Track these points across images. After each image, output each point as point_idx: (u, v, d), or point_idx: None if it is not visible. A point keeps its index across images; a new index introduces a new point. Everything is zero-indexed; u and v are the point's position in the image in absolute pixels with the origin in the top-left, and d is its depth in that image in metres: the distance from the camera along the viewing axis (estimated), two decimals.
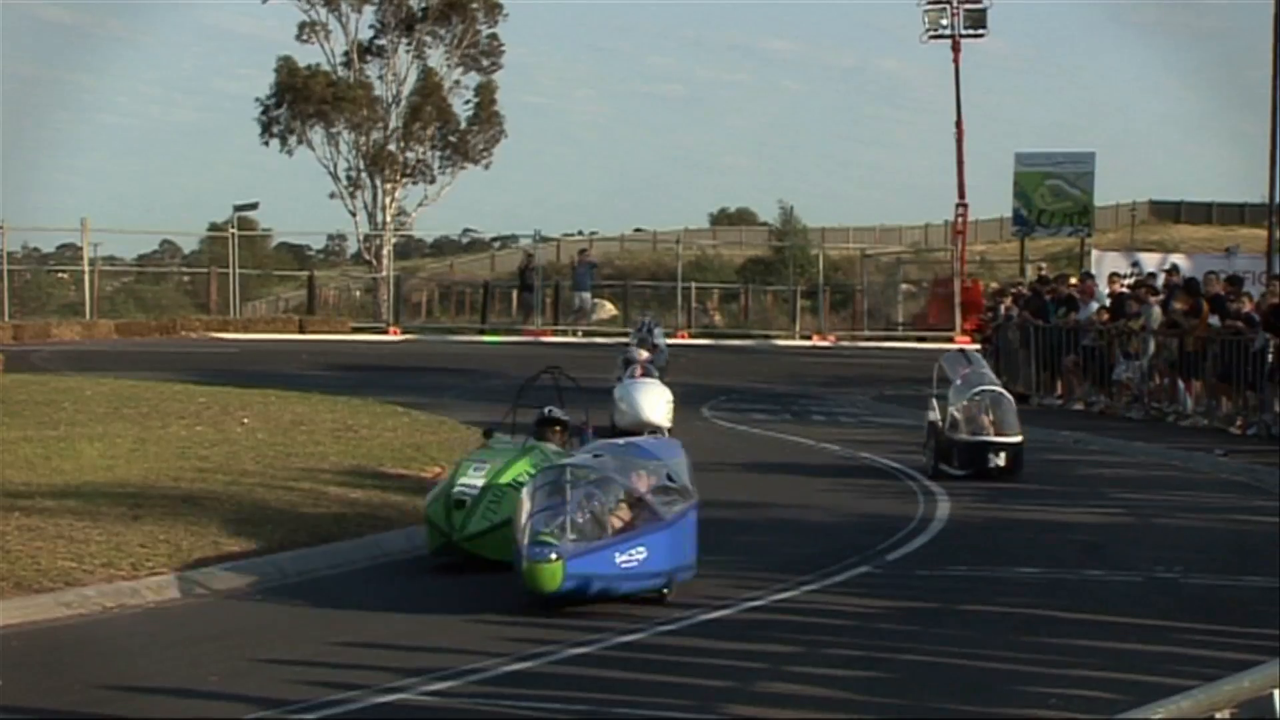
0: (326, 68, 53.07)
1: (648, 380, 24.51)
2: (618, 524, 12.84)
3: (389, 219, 53.62)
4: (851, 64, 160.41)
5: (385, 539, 15.64)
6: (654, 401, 23.79)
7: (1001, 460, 20.43)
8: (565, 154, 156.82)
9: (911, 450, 23.27)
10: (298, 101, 52.72)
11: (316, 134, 53.17)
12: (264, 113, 53.27)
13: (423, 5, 52.87)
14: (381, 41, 53.46)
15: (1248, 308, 25.11)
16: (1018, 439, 20.62)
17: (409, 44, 53.35)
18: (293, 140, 53.24)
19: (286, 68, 53.02)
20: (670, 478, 13.66)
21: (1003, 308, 31.30)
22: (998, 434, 20.59)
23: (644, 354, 26.27)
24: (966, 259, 51.22)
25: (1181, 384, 26.33)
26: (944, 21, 49.48)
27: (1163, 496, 19.28)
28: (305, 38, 53.13)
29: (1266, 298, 25.35)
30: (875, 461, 22.21)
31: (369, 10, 53.20)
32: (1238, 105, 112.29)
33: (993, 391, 21.07)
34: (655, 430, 22.84)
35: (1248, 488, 19.90)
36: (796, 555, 15.15)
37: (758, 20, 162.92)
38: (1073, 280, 31.27)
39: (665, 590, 12.89)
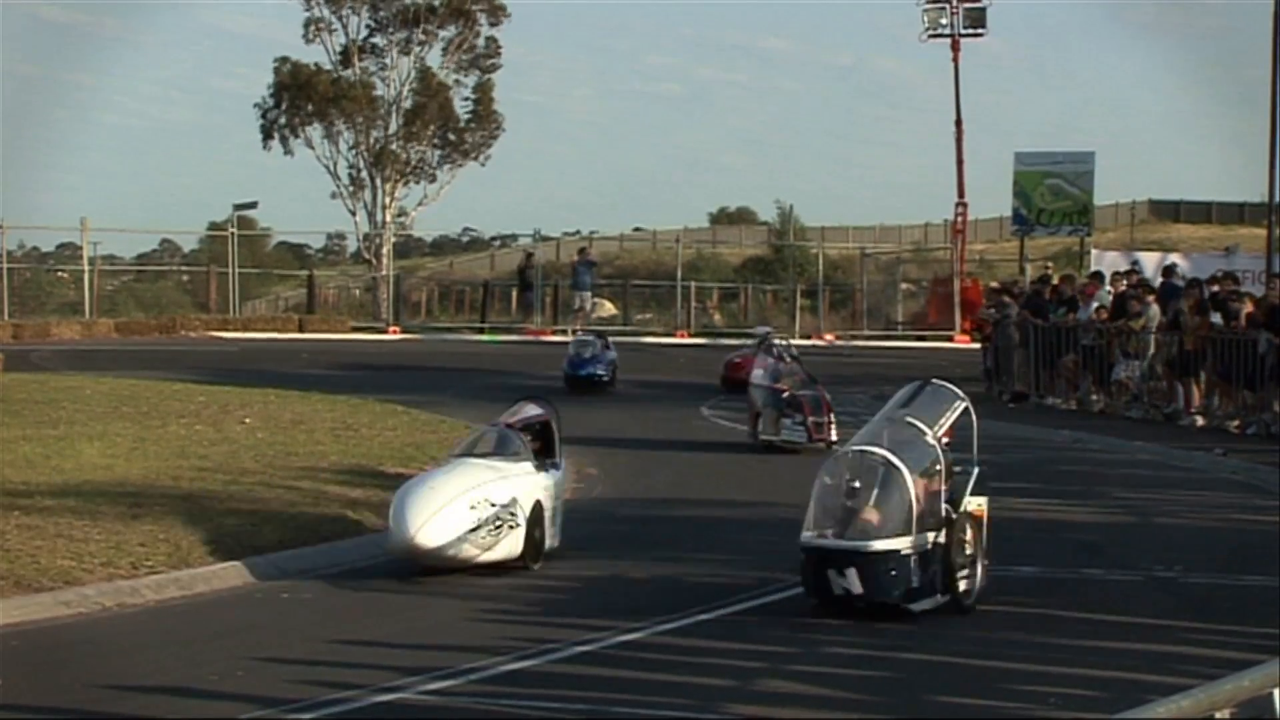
0: (327, 67, 53.08)
1: (462, 465, 14.55)
2: None
3: (389, 218, 53.60)
4: (849, 63, 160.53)
5: (384, 538, 15.64)
6: (435, 513, 13.78)
7: (851, 583, 12.19)
8: (564, 153, 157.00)
9: None
10: (297, 101, 52.70)
11: (316, 133, 53.18)
12: (263, 114, 53.27)
13: (425, 4, 52.85)
14: (377, 40, 53.46)
15: (1249, 308, 25.07)
16: (883, 547, 12.16)
17: (406, 43, 53.32)
18: (293, 139, 53.23)
19: (286, 67, 52.99)
20: None
21: (1007, 298, 31.15)
22: (845, 535, 12.35)
23: (529, 410, 15.67)
24: (966, 258, 51.18)
25: (1180, 384, 26.29)
26: (943, 21, 49.41)
27: (1163, 496, 19.27)
28: (311, 37, 53.06)
29: (1267, 298, 25.33)
30: None
31: (366, 10, 53.14)
32: (1236, 104, 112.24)
33: (868, 456, 12.69)
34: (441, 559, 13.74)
35: (1248, 487, 19.89)
36: (796, 555, 15.13)
37: (755, 20, 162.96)
38: (1080, 281, 31.14)
39: None
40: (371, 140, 53.13)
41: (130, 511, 15.42)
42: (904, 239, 79.65)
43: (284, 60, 53.24)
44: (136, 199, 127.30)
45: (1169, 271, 30.83)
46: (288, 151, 53.27)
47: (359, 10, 52.99)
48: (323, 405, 25.46)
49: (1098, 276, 30.79)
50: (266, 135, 53.27)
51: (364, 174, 53.36)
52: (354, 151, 53.21)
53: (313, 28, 52.85)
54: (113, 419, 22.79)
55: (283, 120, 52.96)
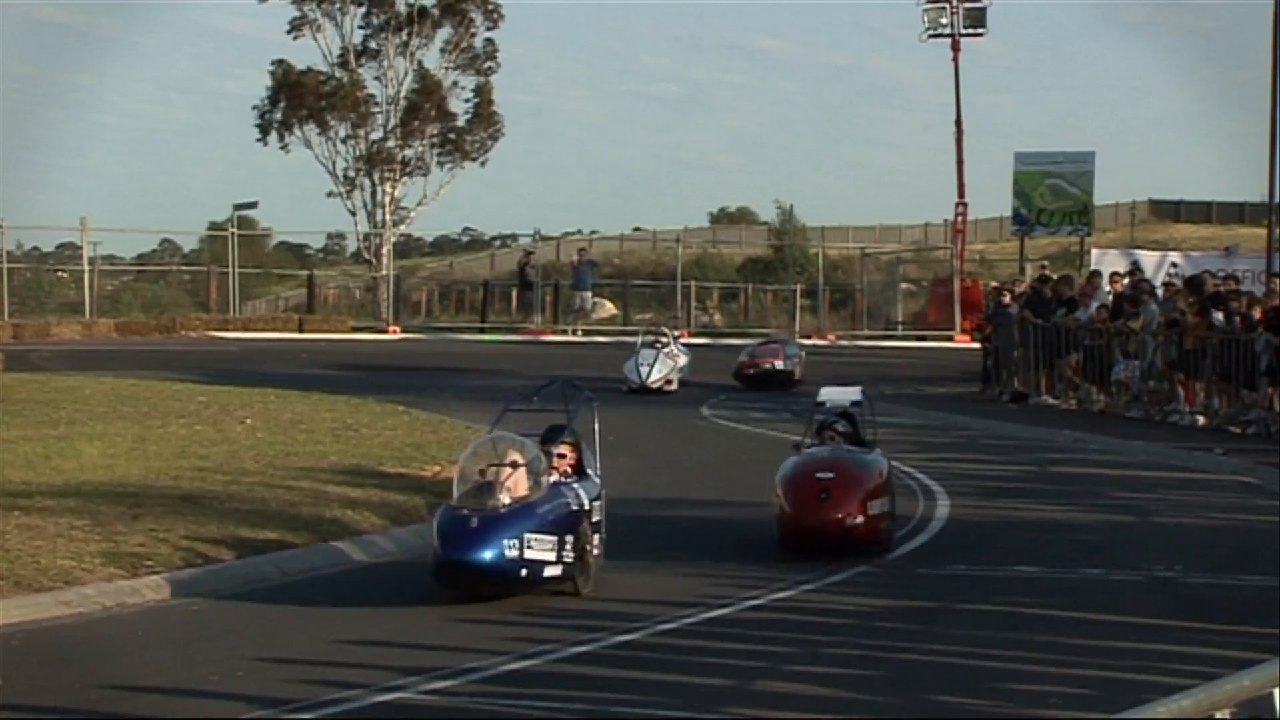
0: (322, 67, 53.15)
1: None
2: None
3: (388, 218, 53.63)
4: (846, 63, 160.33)
5: (384, 538, 15.65)
6: None
7: None
8: (562, 153, 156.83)
9: (910, 450, 23.26)
10: (293, 101, 52.79)
11: (313, 133, 53.22)
12: (262, 115, 53.35)
13: (416, 5, 52.89)
14: (374, 44, 53.50)
15: (1257, 313, 24.94)
16: None
17: (401, 45, 53.35)
18: (289, 137, 53.29)
19: (281, 69, 53.14)
20: None
21: (1007, 297, 31.14)
22: None
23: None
24: (966, 258, 51.21)
25: (1180, 384, 26.29)
26: (944, 21, 49.45)
27: (1163, 496, 19.27)
28: (297, 35, 53.15)
29: (1268, 299, 25.33)
30: None
31: (360, 12, 53.20)
32: (1234, 105, 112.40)
33: None
34: None
35: (1248, 488, 19.90)
36: (796, 555, 15.14)
37: (750, 20, 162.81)
38: (1078, 282, 31.13)
39: None
40: (368, 139, 53.17)
41: (130, 511, 15.41)
42: (904, 239, 79.64)
43: (279, 62, 53.45)
44: (136, 199, 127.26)
45: (1136, 269, 30.80)
46: (283, 147, 53.39)
47: (347, 9, 53.02)
48: (323, 405, 25.46)
49: (1095, 275, 30.81)
50: (264, 132, 53.41)
51: (361, 174, 53.41)
52: (348, 149, 53.28)
53: (300, 28, 52.94)
54: (113, 419, 22.79)
55: (279, 119, 53.05)
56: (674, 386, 31.01)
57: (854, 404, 16.82)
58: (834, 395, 17.17)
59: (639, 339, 33.13)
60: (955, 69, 49.78)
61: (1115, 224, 76.58)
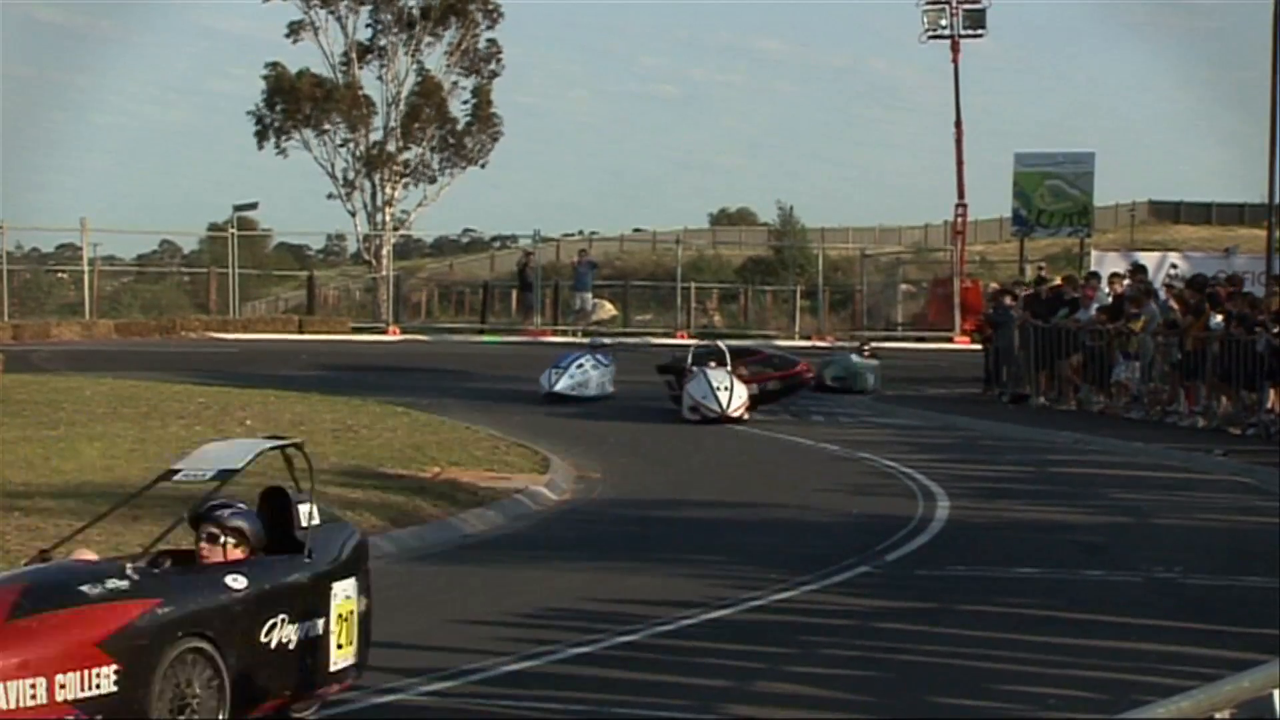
0: (319, 69, 53.19)
1: None
2: None
3: (388, 219, 53.65)
4: (845, 64, 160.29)
5: (384, 539, 15.64)
6: None
7: None
8: (561, 154, 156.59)
9: (910, 451, 23.27)
10: (289, 104, 52.83)
11: (311, 136, 53.24)
12: (259, 120, 53.39)
13: (420, 5, 52.91)
14: (381, 43, 53.52)
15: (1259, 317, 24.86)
16: None
17: (408, 44, 53.39)
18: (287, 142, 53.31)
19: (275, 72, 53.20)
20: None
21: (1008, 299, 31.11)
22: None
23: None
24: (966, 259, 51.18)
25: (1181, 385, 26.28)
26: (943, 22, 49.42)
27: (1163, 496, 19.28)
28: (295, 38, 53.14)
29: (1270, 300, 25.35)
30: (875, 461, 22.21)
31: (365, 11, 53.23)
32: (1234, 105, 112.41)
33: None
34: None
35: (1248, 488, 19.91)
36: (796, 555, 15.16)
37: (751, 20, 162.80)
38: (1080, 281, 31.08)
39: None
40: (369, 142, 53.20)
41: (130, 513, 15.38)
42: (904, 240, 79.66)
43: (273, 65, 53.50)
44: (135, 200, 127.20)
45: (1137, 270, 30.79)
46: (280, 152, 53.44)
47: (355, 10, 53.04)
48: (322, 406, 25.45)
49: (1094, 276, 30.78)
50: (261, 137, 53.43)
51: (360, 176, 53.43)
52: (346, 152, 53.31)
53: (298, 32, 52.98)
54: (113, 420, 22.78)
55: (276, 124, 53.09)
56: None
57: (223, 474, 10.45)
58: (200, 462, 10.60)
59: (692, 362, 27.46)
60: (955, 70, 49.77)
61: (1115, 225, 76.58)
